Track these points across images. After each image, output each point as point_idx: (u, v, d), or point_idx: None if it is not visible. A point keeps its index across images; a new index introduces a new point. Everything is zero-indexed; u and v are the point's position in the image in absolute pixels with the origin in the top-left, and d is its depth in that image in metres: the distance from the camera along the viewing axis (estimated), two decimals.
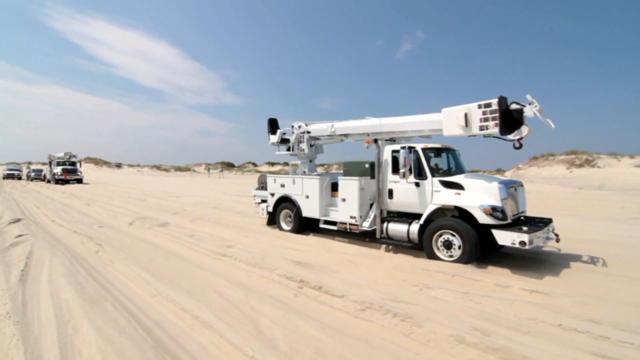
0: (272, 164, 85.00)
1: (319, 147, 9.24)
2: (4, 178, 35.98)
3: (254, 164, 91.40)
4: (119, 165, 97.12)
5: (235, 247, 6.79)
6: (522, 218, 6.16)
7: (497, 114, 5.43)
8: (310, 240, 7.48)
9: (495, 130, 5.49)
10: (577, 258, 6.00)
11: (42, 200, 15.48)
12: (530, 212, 7.01)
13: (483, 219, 5.44)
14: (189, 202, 15.10)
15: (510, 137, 5.71)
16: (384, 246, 6.99)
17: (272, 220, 8.92)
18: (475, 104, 5.70)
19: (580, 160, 23.34)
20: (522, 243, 4.99)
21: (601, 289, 4.51)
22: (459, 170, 6.84)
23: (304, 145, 8.71)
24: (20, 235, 7.62)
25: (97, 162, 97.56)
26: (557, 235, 5.78)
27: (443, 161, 6.86)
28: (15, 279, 4.83)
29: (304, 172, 8.92)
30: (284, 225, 8.55)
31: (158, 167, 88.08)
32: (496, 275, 5.06)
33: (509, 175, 27.33)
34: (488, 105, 5.57)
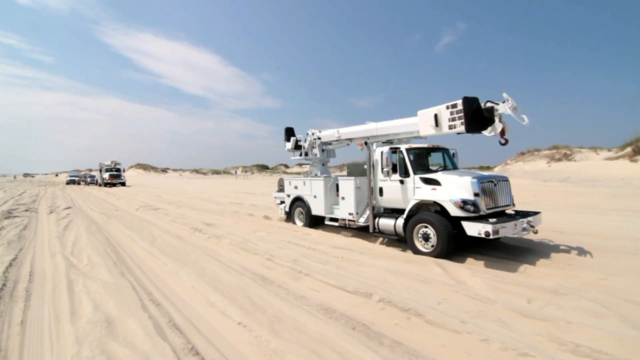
0: (302, 165, 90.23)
1: (331, 152, 10.26)
2: (67, 183, 45.01)
3: (286, 166, 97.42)
4: (164, 171, 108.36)
5: (186, 218, 11.45)
6: (507, 211, 6.55)
7: (462, 114, 5.84)
8: (229, 216, 11.93)
9: (462, 129, 5.91)
10: None
11: (88, 198, 21.71)
12: None
13: (454, 211, 5.84)
14: (190, 196, 20.35)
15: (486, 133, 6.07)
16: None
17: (290, 218, 10.12)
18: (444, 105, 6.17)
19: (560, 155, 24.91)
20: (487, 233, 5.34)
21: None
22: (453, 167, 7.46)
23: (316, 150, 9.80)
24: (68, 214, 12.99)
25: (145, 167, 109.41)
26: (533, 226, 6.01)
27: (436, 160, 7.50)
28: (61, 228, 9.88)
29: (316, 174, 9.95)
30: (298, 222, 9.78)
31: (197, 171, 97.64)
32: (318, 231, 9.11)
33: (497, 170, 29.36)
34: (454, 105, 5.98)
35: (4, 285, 4.94)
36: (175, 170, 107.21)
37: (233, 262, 6.07)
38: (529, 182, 22.69)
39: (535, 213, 6.56)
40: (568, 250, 6.47)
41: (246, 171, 68.24)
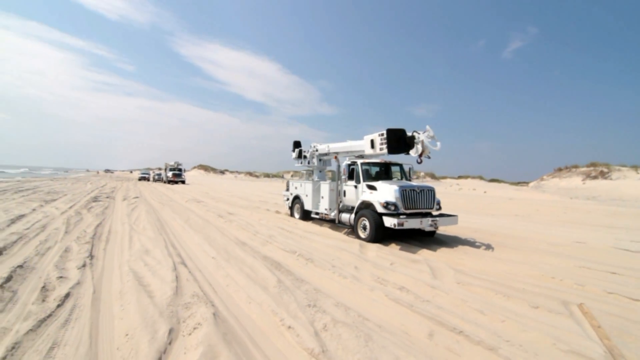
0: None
1: (327, 161, 12.88)
2: (138, 180, 52.90)
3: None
4: (223, 172, 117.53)
5: (217, 209, 14.96)
6: (432, 212, 8.69)
7: (385, 141, 8.03)
8: (250, 209, 15.21)
9: (386, 151, 8.14)
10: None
11: (153, 192, 26.79)
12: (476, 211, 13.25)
13: (379, 209, 8.12)
14: (231, 194, 24.29)
15: (412, 154, 8.12)
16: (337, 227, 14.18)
17: (292, 213, 13.11)
18: (378, 134, 8.26)
19: (596, 172, 24.32)
20: (394, 225, 7.48)
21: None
22: (405, 179, 10.11)
23: (314, 160, 12.58)
24: (135, 201, 17.32)
25: (206, 169, 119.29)
26: (436, 224, 8.05)
27: (394, 172, 10.18)
28: (130, 209, 13.89)
29: (313, 179, 12.66)
30: (296, 215, 12.73)
31: (251, 174, 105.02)
32: (306, 222, 11.98)
33: (531, 185, 29.27)
34: (382, 134, 8.14)
35: (95, 234, 8.53)
36: (231, 172, 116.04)
37: (230, 234, 9.16)
38: (556, 198, 23.01)
39: (450, 216, 8.68)
40: (480, 245, 8.56)
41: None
